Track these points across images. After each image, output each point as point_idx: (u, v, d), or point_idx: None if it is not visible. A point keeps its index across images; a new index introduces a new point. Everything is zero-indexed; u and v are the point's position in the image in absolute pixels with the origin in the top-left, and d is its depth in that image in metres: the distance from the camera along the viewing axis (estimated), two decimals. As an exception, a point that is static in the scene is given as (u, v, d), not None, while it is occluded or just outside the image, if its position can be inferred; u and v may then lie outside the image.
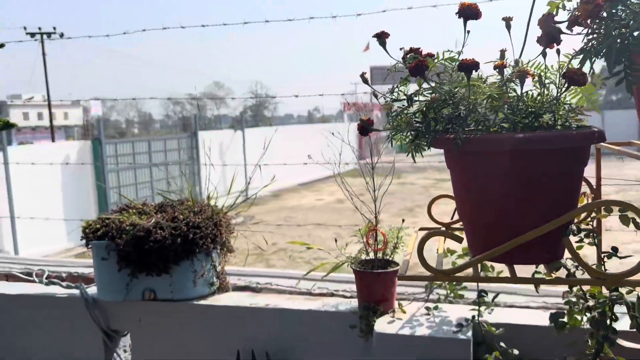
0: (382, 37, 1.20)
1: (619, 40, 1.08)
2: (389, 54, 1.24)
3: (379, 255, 1.86)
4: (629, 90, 1.09)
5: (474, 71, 1.12)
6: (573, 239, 1.18)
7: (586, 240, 1.20)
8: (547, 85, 1.24)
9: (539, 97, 1.19)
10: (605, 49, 1.08)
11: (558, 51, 1.23)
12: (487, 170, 1.12)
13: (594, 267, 1.12)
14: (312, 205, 15.13)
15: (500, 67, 1.17)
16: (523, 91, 1.20)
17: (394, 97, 1.29)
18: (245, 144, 16.89)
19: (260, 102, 36.15)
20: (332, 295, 2.27)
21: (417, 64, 1.09)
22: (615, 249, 1.16)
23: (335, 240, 2.00)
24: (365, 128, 1.29)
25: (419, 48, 1.30)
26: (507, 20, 1.23)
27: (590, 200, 1.34)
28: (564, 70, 1.12)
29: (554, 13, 1.19)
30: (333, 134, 2.00)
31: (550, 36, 1.13)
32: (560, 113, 1.22)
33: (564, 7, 1.21)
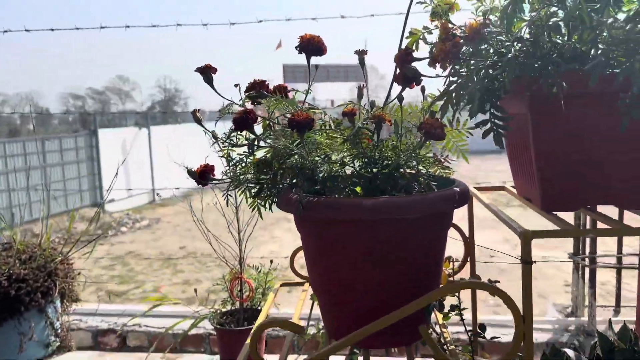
0: (206, 73, 0.96)
1: (483, 85, 0.91)
2: (216, 91, 1.00)
3: (248, 304, 1.63)
4: (498, 143, 0.92)
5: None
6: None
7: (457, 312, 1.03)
8: (410, 129, 1.05)
9: (398, 146, 1.00)
10: (467, 96, 0.90)
11: (423, 89, 1.05)
12: (330, 240, 0.91)
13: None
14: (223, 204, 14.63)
15: (349, 114, 0.96)
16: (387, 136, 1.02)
17: (232, 141, 1.05)
18: (152, 142, 16.00)
19: (169, 97, 34.74)
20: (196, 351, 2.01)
21: (241, 117, 0.86)
22: (483, 328, 1.00)
23: (195, 291, 1.76)
24: (203, 176, 1.03)
25: (265, 81, 1.07)
26: (361, 54, 1.02)
27: (458, 263, 1.18)
28: (420, 122, 0.93)
29: (412, 49, 1.00)
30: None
31: (406, 77, 0.94)
32: (423, 165, 1.04)
33: (425, 41, 1.02)
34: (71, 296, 1.82)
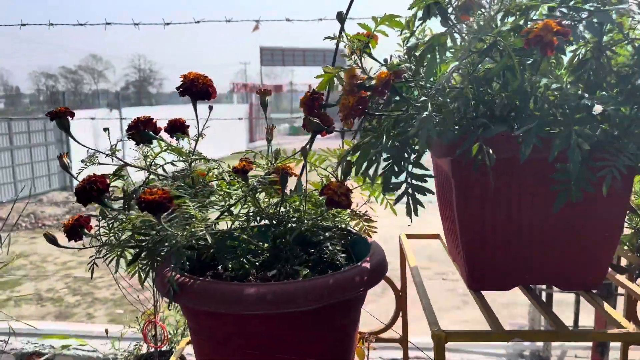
0: (61, 117, 0.78)
1: (393, 145, 0.75)
2: (73, 138, 0.83)
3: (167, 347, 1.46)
4: (409, 213, 0.77)
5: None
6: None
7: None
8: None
9: (302, 208, 0.84)
10: (375, 156, 0.75)
11: (343, 134, 0.90)
12: (206, 332, 0.76)
13: None
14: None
15: (241, 170, 0.80)
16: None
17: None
18: (123, 125, 15.55)
19: (144, 77, 33.80)
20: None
21: (82, 187, 0.68)
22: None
23: (106, 332, 1.60)
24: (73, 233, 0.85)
25: (152, 119, 0.91)
26: (264, 94, 0.86)
27: (372, 341, 1.03)
28: (322, 186, 0.77)
29: (322, 92, 0.83)
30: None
31: (313, 125, 0.77)
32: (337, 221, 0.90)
33: (341, 82, 0.86)
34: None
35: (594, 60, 0.69)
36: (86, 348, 1.96)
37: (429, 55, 0.70)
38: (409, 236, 1.15)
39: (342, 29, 0.84)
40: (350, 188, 0.77)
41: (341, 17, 0.84)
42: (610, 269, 0.97)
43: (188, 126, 0.96)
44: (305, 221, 0.83)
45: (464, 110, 0.70)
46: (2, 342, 2.28)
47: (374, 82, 0.72)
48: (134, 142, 0.91)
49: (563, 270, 0.80)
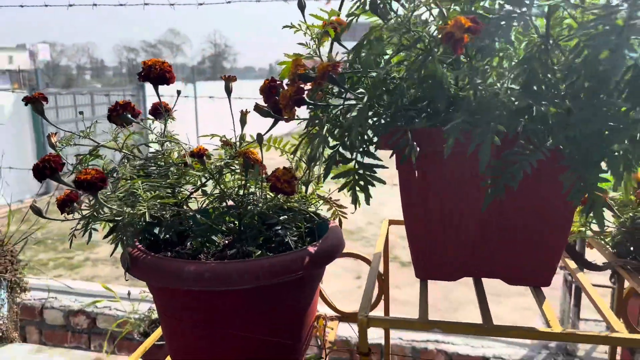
0: (35, 103, 0.85)
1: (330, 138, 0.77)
2: (46, 119, 0.89)
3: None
4: (355, 201, 0.79)
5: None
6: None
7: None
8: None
9: (258, 192, 0.88)
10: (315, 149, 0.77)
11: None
12: (164, 305, 0.82)
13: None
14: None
15: (197, 154, 0.84)
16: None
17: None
18: (197, 100, 16.04)
19: (219, 52, 34.68)
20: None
21: (37, 166, 0.75)
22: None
23: (129, 294, 1.69)
24: (64, 206, 0.94)
25: (129, 103, 0.97)
26: (228, 80, 0.89)
27: (332, 318, 1.05)
28: (269, 174, 0.80)
29: (281, 81, 0.85)
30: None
31: (263, 112, 0.80)
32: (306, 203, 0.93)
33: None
34: (21, 287, 1.82)
35: (538, 55, 0.68)
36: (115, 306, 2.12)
37: (363, 49, 0.71)
38: (391, 222, 1.16)
39: (303, 16, 0.86)
40: (297, 175, 0.79)
41: (301, 5, 0.85)
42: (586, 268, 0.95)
43: (169, 110, 1.01)
44: (260, 205, 0.86)
45: (400, 103, 0.71)
46: (53, 298, 2.49)
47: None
48: (114, 124, 0.98)
49: (510, 265, 0.79)
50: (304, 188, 0.97)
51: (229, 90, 0.90)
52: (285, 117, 0.74)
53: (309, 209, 0.98)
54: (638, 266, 0.84)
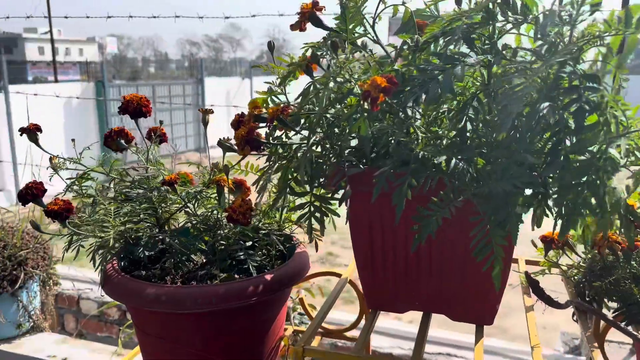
0: (29, 133, 0.95)
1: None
2: (42, 148, 0.99)
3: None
4: (310, 232, 0.84)
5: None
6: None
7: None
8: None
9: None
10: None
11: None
12: (135, 321, 0.89)
13: None
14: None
15: (168, 183, 0.91)
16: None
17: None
18: (252, 94, 16.34)
19: (277, 47, 35.04)
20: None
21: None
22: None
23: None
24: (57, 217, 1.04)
25: (124, 129, 1.05)
26: (205, 113, 0.96)
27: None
28: (229, 204, 0.86)
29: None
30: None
31: (224, 147, 0.87)
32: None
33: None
34: (53, 280, 1.97)
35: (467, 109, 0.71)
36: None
37: (310, 95, 0.76)
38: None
39: (272, 56, 0.92)
40: (253, 207, 0.85)
41: (271, 46, 0.91)
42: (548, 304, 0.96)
43: (162, 135, 1.09)
44: (226, 230, 0.93)
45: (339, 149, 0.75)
46: (89, 289, 2.67)
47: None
48: (112, 150, 1.06)
49: (452, 302, 0.82)
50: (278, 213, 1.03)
51: (205, 123, 0.96)
52: (240, 154, 0.80)
53: (285, 231, 1.04)
54: (588, 308, 0.85)
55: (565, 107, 0.62)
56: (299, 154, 0.76)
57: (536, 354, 0.73)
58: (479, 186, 0.62)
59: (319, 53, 0.75)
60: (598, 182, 0.59)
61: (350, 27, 0.78)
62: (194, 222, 0.96)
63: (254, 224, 0.99)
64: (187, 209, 1.01)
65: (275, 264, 0.97)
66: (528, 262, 1.08)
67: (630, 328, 0.84)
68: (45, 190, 0.85)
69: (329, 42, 0.75)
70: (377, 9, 0.78)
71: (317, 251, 1.03)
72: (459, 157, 0.65)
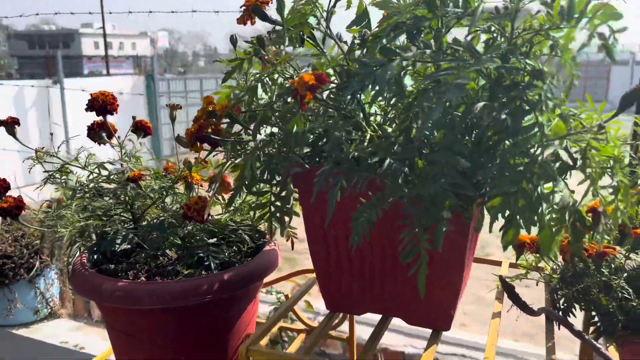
0: (7, 126, 0.97)
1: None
2: (20, 141, 1.01)
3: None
4: (269, 232, 0.83)
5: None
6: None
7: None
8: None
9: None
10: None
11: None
12: (102, 314, 0.91)
13: None
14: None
15: (132, 179, 0.92)
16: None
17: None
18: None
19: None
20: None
21: None
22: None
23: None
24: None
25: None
26: (172, 109, 0.96)
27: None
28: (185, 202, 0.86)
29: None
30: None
31: (182, 143, 0.86)
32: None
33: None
34: (67, 271, 2.04)
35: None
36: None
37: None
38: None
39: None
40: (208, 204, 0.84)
41: (233, 40, 0.90)
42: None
43: (146, 128, 1.09)
44: (190, 227, 0.93)
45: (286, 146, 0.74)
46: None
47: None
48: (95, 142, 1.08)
49: (408, 306, 0.79)
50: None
51: (172, 118, 0.96)
52: (192, 150, 0.80)
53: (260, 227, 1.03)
54: (556, 317, 0.80)
55: (503, 107, 0.58)
56: (246, 153, 0.75)
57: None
58: (411, 188, 0.59)
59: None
60: (531, 189, 0.55)
61: (303, 20, 0.75)
62: (162, 217, 0.97)
63: (226, 220, 0.99)
64: (164, 205, 1.02)
65: (245, 261, 0.96)
66: (512, 266, 1.03)
67: (601, 340, 0.79)
68: (8, 188, 0.88)
69: (257, 37, 0.73)
70: (330, 1, 0.76)
71: (292, 249, 1.02)
72: (394, 157, 0.62)
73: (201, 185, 0.95)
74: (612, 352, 0.75)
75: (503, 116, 0.57)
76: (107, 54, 18.36)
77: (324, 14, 0.75)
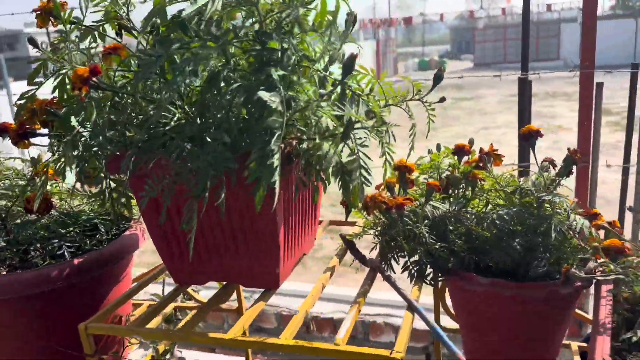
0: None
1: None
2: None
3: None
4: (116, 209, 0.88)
5: None
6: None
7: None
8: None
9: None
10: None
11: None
12: None
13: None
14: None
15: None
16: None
17: None
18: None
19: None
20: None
21: None
22: None
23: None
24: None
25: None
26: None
27: None
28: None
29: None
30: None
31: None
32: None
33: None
34: None
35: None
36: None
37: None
38: (332, 222, 1.20)
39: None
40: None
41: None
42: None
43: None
44: (44, 220, 0.98)
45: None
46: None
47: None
48: None
49: (241, 272, 0.86)
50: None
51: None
52: (20, 147, 0.85)
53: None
54: (375, 265, 0.88)
55: (255, 85, 0.64)
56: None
57: None
58: (184, 164, 0.66)
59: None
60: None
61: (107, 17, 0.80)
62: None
63: (85, 210, 1.04)
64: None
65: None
66: (332, 223, 1.12)
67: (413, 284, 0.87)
68: None
69: (29, 38, 0.78)
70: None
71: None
72: (180, 137, 0.68)
73: (55, 179, 1.00)
74: (414, 292, 0.83)
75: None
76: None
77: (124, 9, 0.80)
